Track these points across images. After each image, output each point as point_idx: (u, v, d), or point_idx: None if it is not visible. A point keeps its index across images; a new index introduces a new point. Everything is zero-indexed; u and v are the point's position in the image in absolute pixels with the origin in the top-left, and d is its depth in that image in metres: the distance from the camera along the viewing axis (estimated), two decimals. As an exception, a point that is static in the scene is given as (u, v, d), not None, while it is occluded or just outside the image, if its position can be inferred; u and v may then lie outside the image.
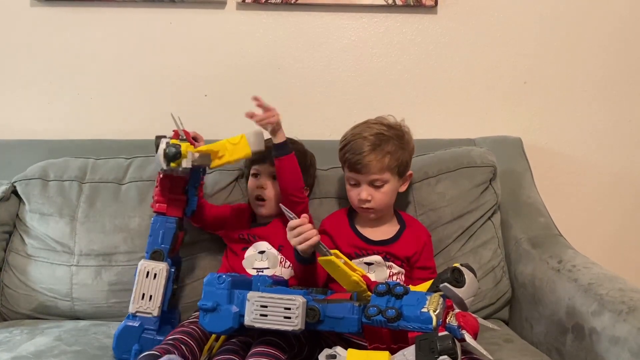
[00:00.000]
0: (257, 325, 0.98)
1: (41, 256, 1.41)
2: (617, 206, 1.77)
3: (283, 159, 1.25)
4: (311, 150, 1.44)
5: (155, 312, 1.16)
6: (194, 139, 1.24)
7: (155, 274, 1.17)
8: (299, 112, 1.68)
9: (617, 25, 1.72)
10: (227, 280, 1.02)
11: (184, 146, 1.14)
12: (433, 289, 1.01)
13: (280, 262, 1.31)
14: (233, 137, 1.22)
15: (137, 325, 1.16)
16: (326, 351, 0.95)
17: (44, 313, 1.40)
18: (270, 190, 1.33)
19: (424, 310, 0.93)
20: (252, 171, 1.37)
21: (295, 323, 0.95)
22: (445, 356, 0.85)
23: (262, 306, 0.97)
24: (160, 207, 1.22)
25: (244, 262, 1.31)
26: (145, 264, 1.18)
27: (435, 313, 0.92)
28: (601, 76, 1.73)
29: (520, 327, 1.36)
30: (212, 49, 1.68)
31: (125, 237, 1.41)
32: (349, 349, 0.95)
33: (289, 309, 0.96)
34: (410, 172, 1.33)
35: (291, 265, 1.31)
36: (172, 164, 1.13)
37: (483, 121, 1.70)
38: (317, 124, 1.68)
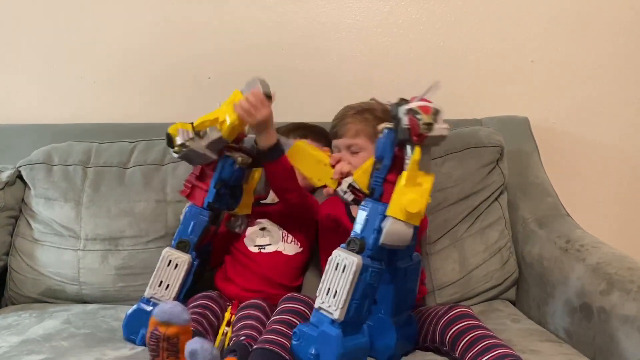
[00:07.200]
0: (342, 305, 0.93)
1: (48, 240, 1.42)
2: (626, 186, 1.75)
3: (275, 162, 1.18)
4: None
5: None
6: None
7: (176, 264, 1.15)
8: (302, 94, 1.66)
9: (627, 2, 1.68)
10: (302, 328, 0.96)
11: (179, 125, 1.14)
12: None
13: (283, 238, 1.31)
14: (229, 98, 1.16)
15: (149, 310, 1.14)
16: None
17: (52, 297, 1.40)
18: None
19: None
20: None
21: (352, 260, 0.94)
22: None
23: (327, 293, 0.95)
24: (184, 192, 1.21)
25: (245, 240, 1.30)
26: (169, 252, 1.16)
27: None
28: (610, 54, 1.69)
29: (527, 307, 1.36)
30: (215, 30, 1.66)
31: (130, 222, 1.40)
32: None
33: (338, 264, 0.95)
34: None
35: (294, 239, 1.31)
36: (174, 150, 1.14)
37: (490, 101, 1.68)
38: (321, 105, 1.66)
